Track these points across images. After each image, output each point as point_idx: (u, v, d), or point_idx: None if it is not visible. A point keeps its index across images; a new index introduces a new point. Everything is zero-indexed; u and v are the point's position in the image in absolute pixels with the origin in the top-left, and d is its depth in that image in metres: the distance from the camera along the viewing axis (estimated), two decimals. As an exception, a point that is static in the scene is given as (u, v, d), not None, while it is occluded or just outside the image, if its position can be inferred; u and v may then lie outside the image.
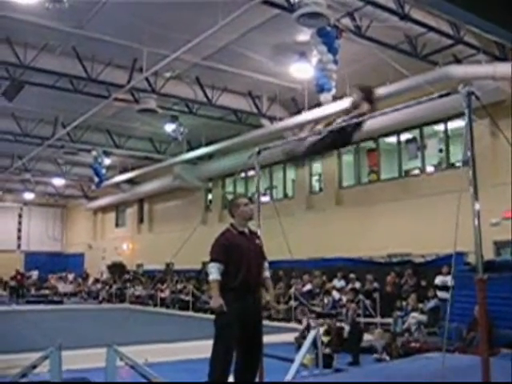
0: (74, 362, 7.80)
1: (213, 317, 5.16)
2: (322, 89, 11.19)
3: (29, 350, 8.61)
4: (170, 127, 18.19)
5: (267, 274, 5.60)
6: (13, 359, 8.59)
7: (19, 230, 35.48)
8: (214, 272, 5.06)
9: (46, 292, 27.83)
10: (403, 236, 15.19)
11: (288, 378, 6.47)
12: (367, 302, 13.77)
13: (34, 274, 30.63)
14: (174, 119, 18.05)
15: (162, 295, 22.74)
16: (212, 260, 5.16)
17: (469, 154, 4.49)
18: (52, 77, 14.18)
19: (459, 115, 10.64)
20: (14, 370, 7.32)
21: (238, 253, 5.15)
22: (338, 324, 11.70)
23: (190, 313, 19.67)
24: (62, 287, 28.94)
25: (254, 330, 5.19)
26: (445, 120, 15.02)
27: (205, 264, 23.04)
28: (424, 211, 14.82)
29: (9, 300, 25.86)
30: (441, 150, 15.94)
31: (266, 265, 5.59)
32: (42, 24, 11.87)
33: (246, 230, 5.43)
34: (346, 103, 14.06)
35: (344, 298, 14.03)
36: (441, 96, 4.94)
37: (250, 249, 5.28)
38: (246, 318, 5.06)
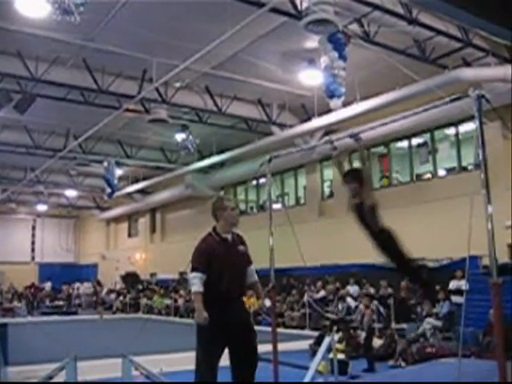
0: (90, 373, 7.84)
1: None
2: (332, 95, 11.17)
3: (45, 361, 8.66)
4: (180, 136, 18.26)
5: (255, 278, 5.29)
6: (29, 370, 8.65)
7: (33, 242, 35.72)
8: (197, 283, 4.80)
9: (60, 303, 27.95)
10: (416, 240, 14.89)
11: (303, 385, 6.45)
12: (381, 307, 13.69)
13: (47, 285, 30.80)
14: (184, 128, 18.11)
15: (176, 304, 22.79)
16: (193, 269, 4.89)
17: (480, 156, 4.47)
18: (63, 89, 14.30)
19: (470, 118, 10.63)
20: (30, 380, 7.38)
21: (219, 262, 4.90)
22: (353, 330, 11.67)
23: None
24: (76, 298, 29.07)
25: (243, 340, 4.98)
26: (456, 123, 14.96)
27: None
28: (437, 215, 14.74)
29: (28, 312, 25.95)
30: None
31: (253, 268, 5.29)
32: (53, 37, 11.99)
33: (229, 237, 5.15)
34: (355, 109, 14.18)
35: (361, 305, 13.91)
36: (451, 100, 4.93)
37: (232, 257, 5.02)
38: (231, 330, 4.88)
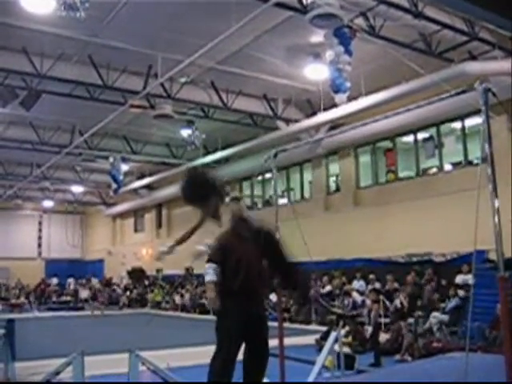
0: (97, 368, 7.85)
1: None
2: (338, 89, 11.15)
3: (52, 356, 8.70)
4: (185, 132, 18.24)
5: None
6: (36, 366, 8.67)
7: (39, 238, 35.87)
8: (210, 273, 5.02)
9: (67, 298, 28.07)
10: (423, 235, 15.07)
11: (310, 380, 6.46)
12: (388, 302, 13.68)
13: (54, 280, 30.92)
14: (189, 124, 18.09)
15: (183, 300, 22.86)
16: (208, 260, 5.13)
17: (487, 150, 4.45)
18: (68, 85, 14.32)
19: (476, 112, 10.57)
20: (37, 376, 7.40)
21: (235, 255, 5.06)
22: (359, 325, 11.66)
23: (211, 317, 19.65)
24: (83, 293, 29.18)
25: (256, 333, 5.06)
26: (462, 117, 14.89)
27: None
28: (443, 209, 14.69)
29: (31, 307, 26.08)
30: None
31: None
32: (58, 33, 12.01)
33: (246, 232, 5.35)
34: (361, 104, 14.15)
35: (367, 300, 13.87)
36: (457, 93, 4.91)
37: (249, 251, 5.14)
38: (249, 326, 4.95)
